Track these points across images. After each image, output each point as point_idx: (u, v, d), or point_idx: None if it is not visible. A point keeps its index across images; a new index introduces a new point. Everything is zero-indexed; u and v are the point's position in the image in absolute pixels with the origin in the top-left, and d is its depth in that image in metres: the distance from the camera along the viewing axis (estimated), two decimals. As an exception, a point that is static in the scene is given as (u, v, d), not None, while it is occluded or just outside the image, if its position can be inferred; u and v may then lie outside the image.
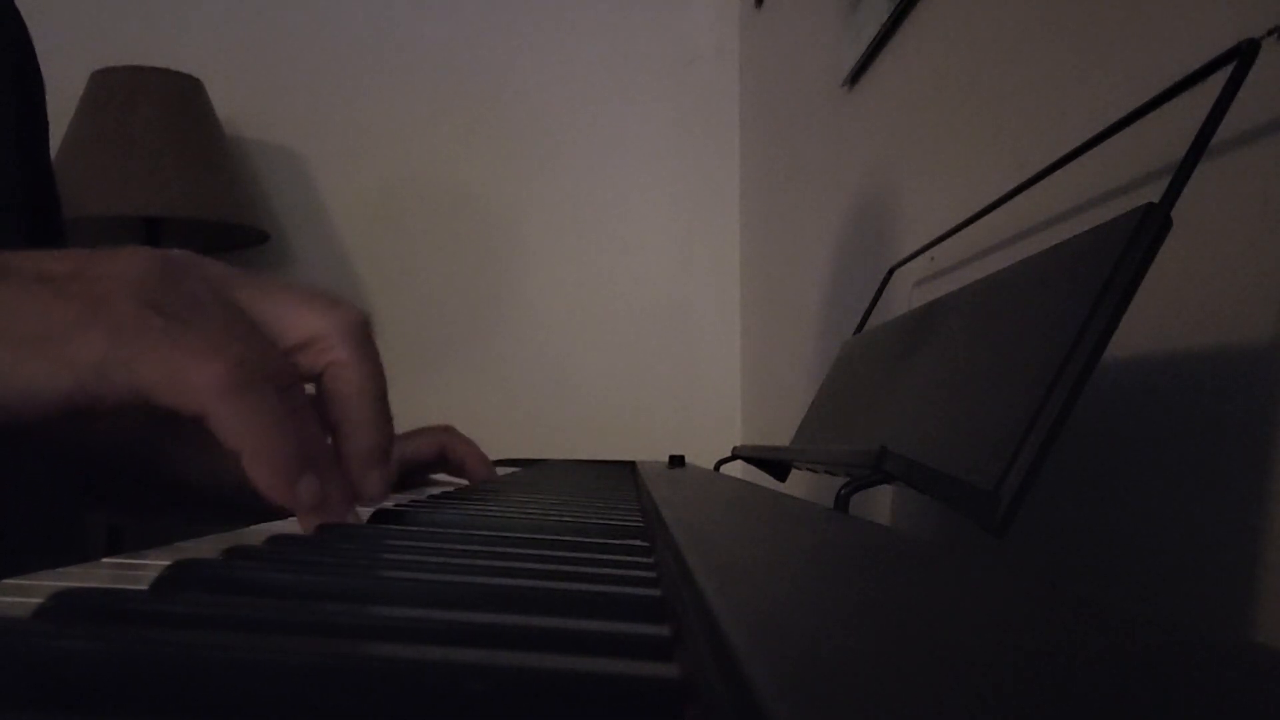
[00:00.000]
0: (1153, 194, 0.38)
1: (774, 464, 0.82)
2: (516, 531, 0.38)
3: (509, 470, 1.01)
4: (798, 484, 0.99)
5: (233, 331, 0.33)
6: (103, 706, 0.15)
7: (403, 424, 0.50)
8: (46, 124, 0.73)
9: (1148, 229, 0.36)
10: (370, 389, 0.37)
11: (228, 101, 1.81)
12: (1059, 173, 0.52)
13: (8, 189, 0.65)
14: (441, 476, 0.84)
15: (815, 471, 0.66)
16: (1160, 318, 0.47)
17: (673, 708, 0.15)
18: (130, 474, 0.65)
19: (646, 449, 1.40)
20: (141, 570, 0.27)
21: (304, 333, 0.36)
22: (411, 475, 0.80)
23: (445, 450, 0.79)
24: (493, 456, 0.82)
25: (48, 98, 0.74)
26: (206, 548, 0.34)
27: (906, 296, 0.89)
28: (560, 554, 0.30)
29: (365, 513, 0.42)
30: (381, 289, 1.93)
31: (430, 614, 0.19)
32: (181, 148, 1.66)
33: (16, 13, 0.69)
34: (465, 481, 0.79)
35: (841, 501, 0.43)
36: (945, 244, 0.73)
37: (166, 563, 0.24)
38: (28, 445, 0.58)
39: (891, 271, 0.86)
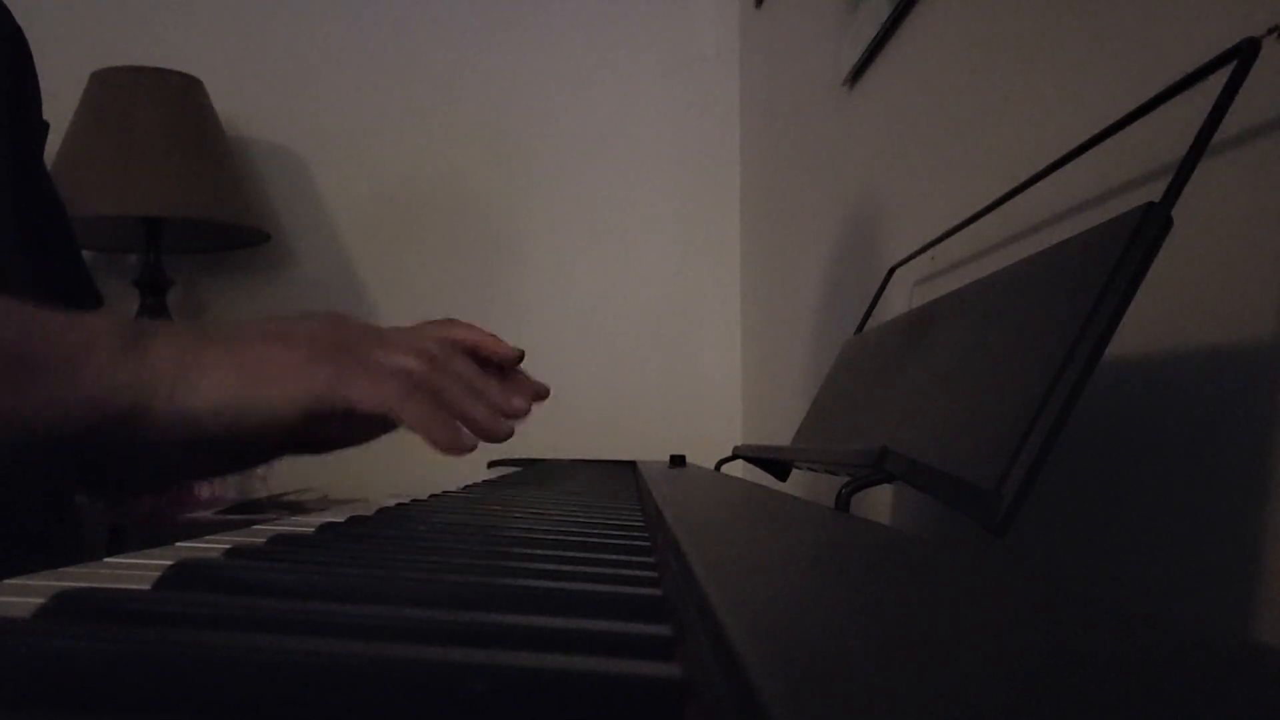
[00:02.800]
0: (1153, 194, 0.38)
1: (775, 464, 0.82)
2: (518, 531, 0.38)
3: (510, 470, 1.01)
4: (798, 484, 0.99)
5: (395, 358, 0.50)
6: (104, 706, 0.15)
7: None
8: (42, 125, 0.73)
9: (1148, 229, 0.36)
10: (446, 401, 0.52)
11: (228, 101, 1.81)
12: (1059, 172, 0.52)
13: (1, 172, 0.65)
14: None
15: (816, 471, 0.66)
16: (1160, 318, 0.47)
17: (674, 706, 0.15)
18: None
19: (647, 449, 1.40)
20: (143, 570, 0.27)
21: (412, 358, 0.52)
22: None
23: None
24: (494, 457, 0.81)
25: (48, 98, 0.74)
26: (207, 548, 0.34)
27: (906, 296, 0.89)
28: (562, 554, 0.30)
29: (366, 512, 0.42)
30: (382, 288, 1.93)
31: (431, 614, 0.19)
32: (182, 148, 1.66)
33: (9, 14, 0.69)
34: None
35: (842, 501, 0.43)
36: (945, 244, 0.73)
37: (168, 562, 0.24)
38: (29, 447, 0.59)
39: (891, 271, 0.86)
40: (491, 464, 1.16)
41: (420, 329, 0.56)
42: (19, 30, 0.70)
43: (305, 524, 0.41)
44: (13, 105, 0.68)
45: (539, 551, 0.31)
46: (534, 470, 1.02)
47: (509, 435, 0.52)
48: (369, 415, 0.49)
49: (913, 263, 0.81)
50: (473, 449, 0.51)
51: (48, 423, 0.45)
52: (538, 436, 0.96)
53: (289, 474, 1.60)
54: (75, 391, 0.45)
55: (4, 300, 0.45)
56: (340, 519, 0.42)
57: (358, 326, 0.53)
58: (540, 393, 0.58)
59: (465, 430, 0.50)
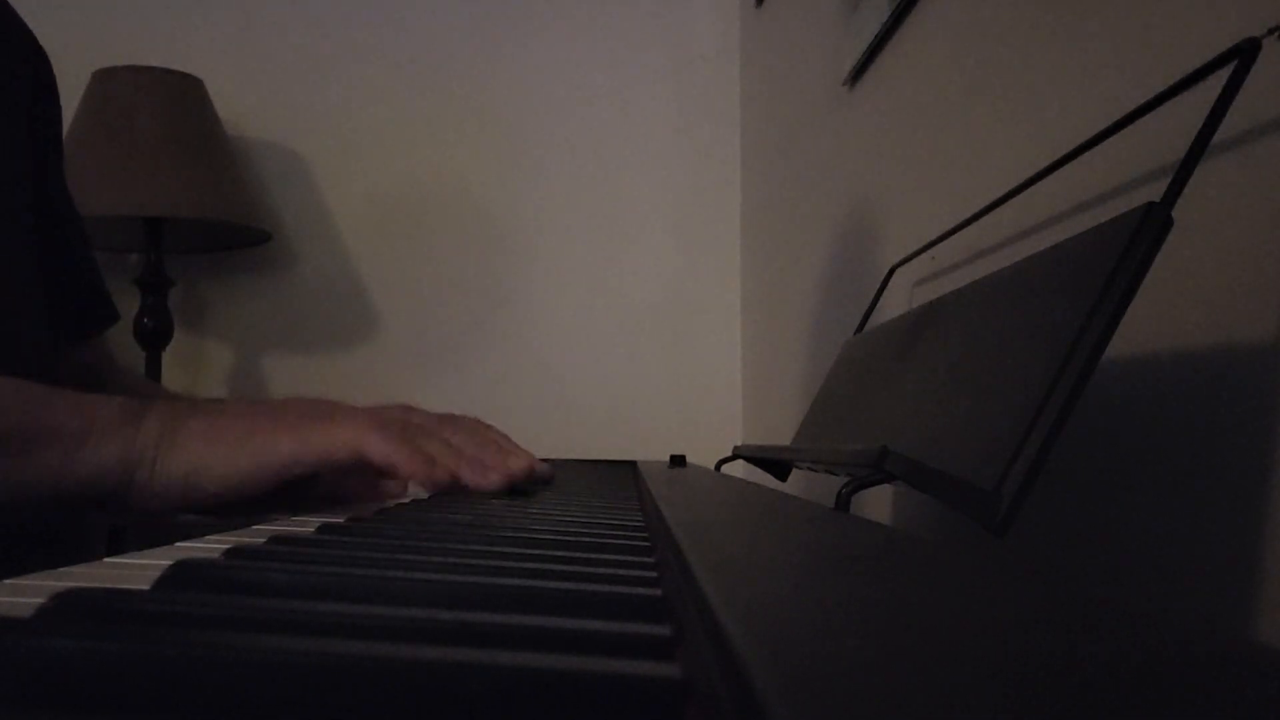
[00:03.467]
0: (1153, 194, 0.38)
1: (775, 464, 0.82)
2: (518, 531, 0.38)
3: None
4: (798, 484, 0.99)
5: (405, 431, 0.54)
6: (103, 706, 0.15)
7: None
8: (60, 138, 0.74)
9: (1148, 229, 0.36)
10: (391, 452, 0.55)
11: (228, 101, 1.81)
12: (1059, 173, 0.52)
13: (19, 206, 0.66)
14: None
15: (816, 471, 0.66)
16: (1160, 318, 0.47)
17: (674, 707, 0.15)
18: None
19: (647, 449, 1.40)
20: (142, 570, 0.27)
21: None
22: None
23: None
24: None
25: (48, 98, 0.74)
26: (207, 548, 0.34)
27: (906, 296, 0.89)
28: (561, 554, 0.30)
29: (366, 513, 0.42)
30: (382, 288, 1.93)
31: (431, 614, 0.19)
32: (182, 147, 1.66)
33: (34, 38, 0.70)
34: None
35: (842, 501, 0.43)
36: (945, 244, 0.73)
37: (168, 563, 0.24)
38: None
39: (891, 271, 0.86)
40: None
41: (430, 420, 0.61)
42: (44, 55, 0.71)
43: (305, 524, 0.41)
44: (35, 126, 0.69)
45: (539, 551, 0.31)
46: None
47: (490, 486, 0.56)
48: (354, 467, 0.53)
49: (913, 263, 0.81)
50: (445, 481, 0.54)
51: (45, 493, 0.49)
52: (538, 436, 0.96)
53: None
54: (73, 467, 0.49)
55: (10, 380, 0.50)
56: (340, 519, 0.42)
57: (342, 404, 0.56)
58: (528, 475, 0.61)
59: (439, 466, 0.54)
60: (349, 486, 0.64)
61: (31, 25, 0.71)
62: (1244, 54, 0.38)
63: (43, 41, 0.72)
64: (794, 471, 0.84)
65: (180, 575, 0.23)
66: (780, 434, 1.40)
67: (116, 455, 0.50)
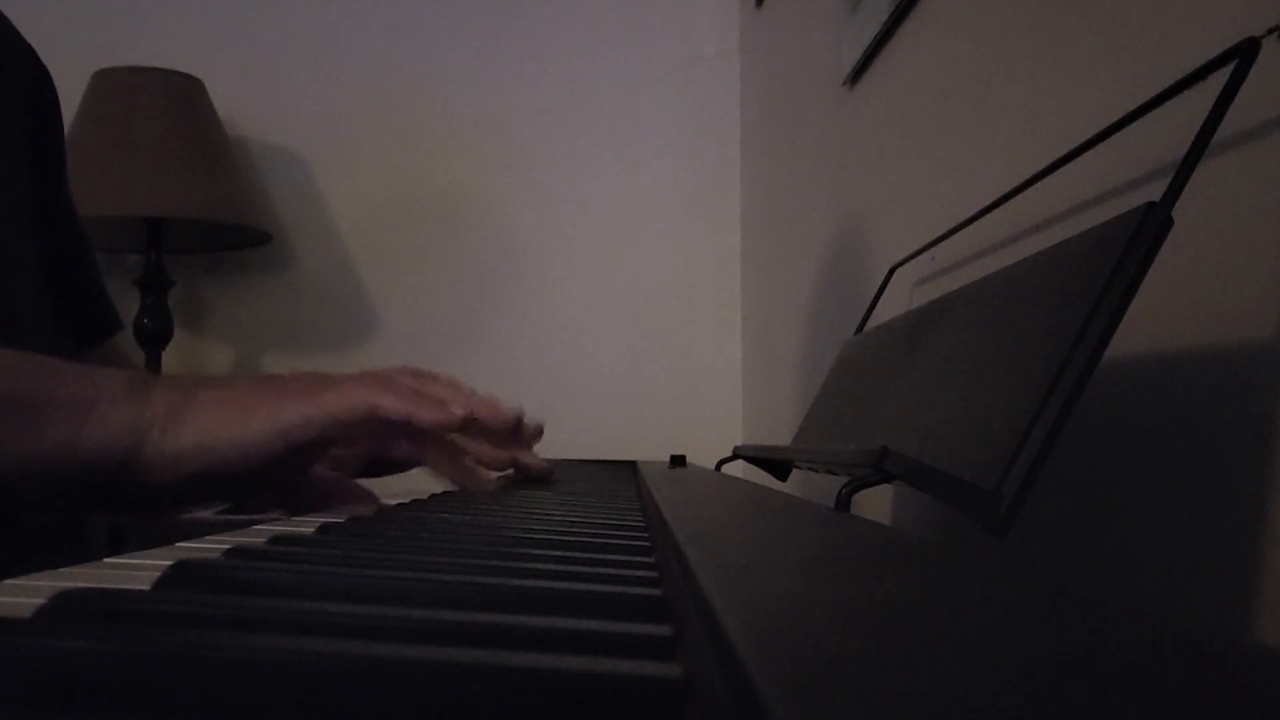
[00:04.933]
0: (1153, 194, 0.38)
1: (775, 464, 0.82)
2: (518, 531, 0.38)
3: (509, 470, 1.01)
4: (798, 484, 0.99)
5: (417, 392, 0.55)
6: (104, 706, 0.15)
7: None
8: (63, 153, 0.74)
9: (1148, 229, 0.36)
10: (406, 404, 0.56)
11: (228, 101, 1.81)
12: (1059, 173, 0.52)
13: (22, 221, 0.66)
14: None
15: (816, 471, 0.66)
16: (1160, 318, 0.47)
17: (674, 707, 0.15)
18: None
19: (647, 449, 1.40)
20: (143, 570, 0.27)
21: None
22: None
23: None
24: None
25: (48, 99, 0.74)
26: (207, 548, 0.34)
27: (907, 296, 0.89)
28: (562, 554, 0.30)
29: (366, 513, 0.42)
30: (382, 289, 1.93)
31: (431, 614, 0.19)
32: (183, 148, 1.66)
33: (34, 53, 0.70)
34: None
35: (842, 501, 0.43)
36: (945, 244, 0.73)
37: (168, 563, 0.24)
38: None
39: (892, 271, 0.86)
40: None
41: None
42: (45, 71, 0.71)
43: (305, 524, 0.41)
44: (37, 139, 0.69)
45: (539, 551, 0.31)
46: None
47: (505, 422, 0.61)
48: (366, 428, 0.53)
49: (913, 263, 0.81)
50: (462, 420, 0.56)
51: (53, 466, 0.48)
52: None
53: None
54: (80, 437, 0.48)
55: (19, 352, 0.50)
56: (340, 519, 0.42)
57: (345, 374, 0.57)
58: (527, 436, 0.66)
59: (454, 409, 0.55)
60: (362, 448, 0.64)
61: (31, 25, 0.71)
62: (1244, 54, 0.38)
63: (42, 41, 0.72)
64: (794, 471, 0.84)
65: (180, 575, 0.23)
66: (780, 434, 1.40)
67: (125, 424, 0.49)
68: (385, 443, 0.65)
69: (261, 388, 0.53)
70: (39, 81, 0.71)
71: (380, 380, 0.54)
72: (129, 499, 0.69)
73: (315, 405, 0.51)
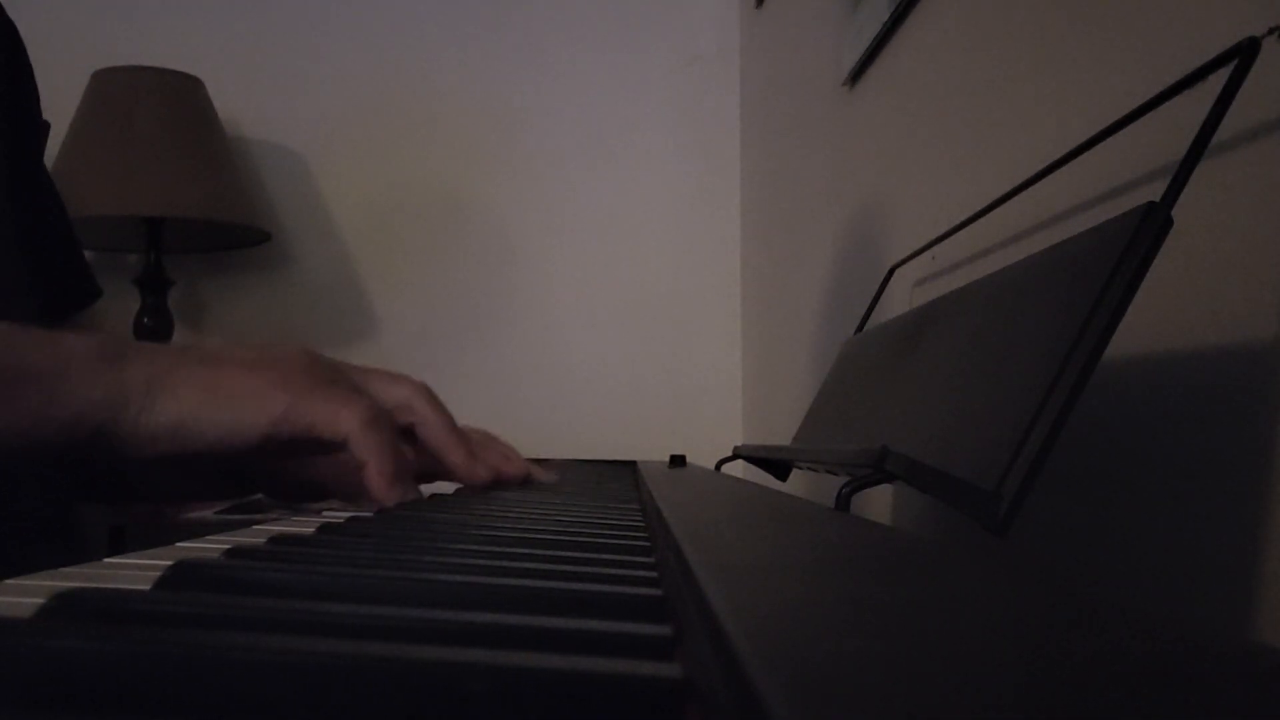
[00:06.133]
0: (1153, 194, 0.38)
1: (775, 463, 0.82)
2: (517, 531, 0.38)
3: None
4: (798, 484, 0.99)
5: (361, 392, 0.51)
6: (104, 706, 0.15)
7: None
8: (43, 124, 0.73)
9: (1148, 228, 0.36)
10: (446, 430, 0.56)
11: (228, 101, 1.81)
12: (1059, 173, 0.52)
13: None
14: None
15: (816, 471, 0.66)
16: (1160, 318, 0.47)
17: (674, 707, 0.15)
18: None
19: (647, 449, 1.40)
20: (143, 570, 0.27)
21: (396, 399, 0.55)
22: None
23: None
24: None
25: (48, 98, 0.74)
26: (207, 548, 0.34)
27: (906, 296, 0.89)
28: (561, 553, 0.30)
29: (368, 511, 0.42)
30: (382, 288, 1.93)
31: (431, 614, 0.19)
32: (182, 147, 1.66)
33: (6, 18, 0.69)
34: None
35: (842, 501, 0.43)
36: (945, 244, 0.73)
37: (168, 563, 0.24)
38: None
39: (892, 271, 0.86)
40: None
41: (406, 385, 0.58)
42: (11, 25, 0.70)
43: (305, 524, 0.41)
44: (7, 103, 0.68)
45: (539, 551, 0.31)
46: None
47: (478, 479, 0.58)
48: (331, 447, 0.50)
49: (913, 263, 0.81)
50: (416, 490, 0.53)
51: (24, 439, 0.46)
52: (538, 436, 0.96)
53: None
54: (51, 408, 0.45)
55: None
56: (340, 519, 0.42)
57: (329, 361, 0.54)
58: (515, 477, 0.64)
59: (408, 488, 0.52)
60: (320, 467, 0.62)
61: (30, 25, 0.71)
62: (1244, 54, 0.38)
63: (42, 42, 0.72)
64: (794, 471, 0.84)
65: (180, 575, 0.23)
66: (780, 434, 1.40)
67: (100, 395, 0.46)
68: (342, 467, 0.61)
69: (246, 369, 0.50)
70: (6, 41, 0.69)
71: (362, 411, 0.50)
72: (110, 484, 0.68)
73: (299, 410, 0.49)
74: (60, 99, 0.72)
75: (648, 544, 0.34)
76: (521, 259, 1.94)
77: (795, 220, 1.46)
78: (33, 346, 0.47)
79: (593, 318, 1.94)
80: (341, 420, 0.49)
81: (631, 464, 1.07)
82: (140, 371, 0.48)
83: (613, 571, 0.27)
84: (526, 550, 0.31)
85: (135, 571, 0.28)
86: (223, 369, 0.49)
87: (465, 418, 0.91)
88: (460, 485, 0.66)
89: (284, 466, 0.58)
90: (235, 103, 1.85)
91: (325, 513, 0.50)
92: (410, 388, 0.56)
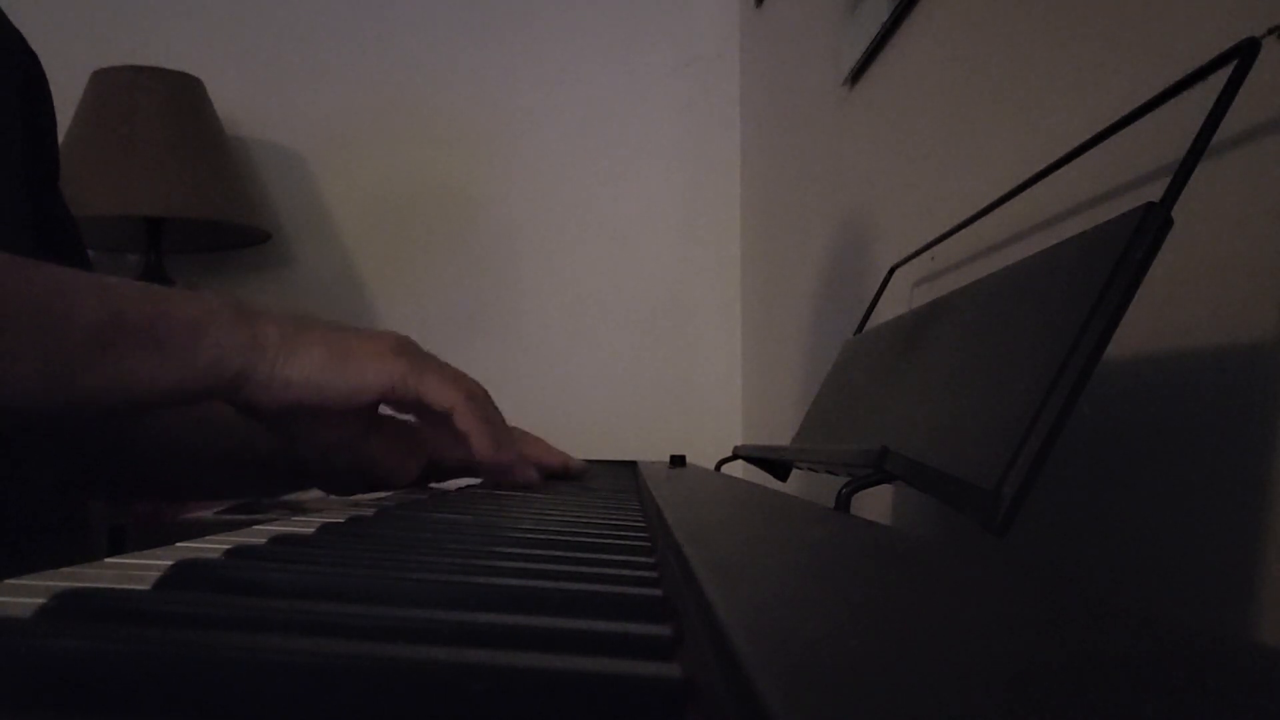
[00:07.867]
0: (1153, 194, 0.38)
1: (775, 464, 0.82)
2: (518, 531, 0.38)
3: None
4: (798, 484, 0.99)
5: (463, 373, 0.59)
6: (104, 706, 0.15)
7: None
8: (55, 161, 0.73)
9: (1148, 228, 0.36)
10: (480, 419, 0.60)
11: (228, 101, 1.81)
12: (1059, 173, 0.52)
13: (14, 216, 0.65)
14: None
15: (816, 471, 0.66)
16: (1160, 318, 0.47)
17: (675, 707, 0.15)
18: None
19: (647, 449, 1.40)
20: (144, 570, 0.27)
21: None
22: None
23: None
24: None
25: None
26: (207, 548, 0.34)
27: (907, 296, 0.89)
28: (562, 554, 0.30)
29: (368, 511, 0.42)
30: (382, 288, 1.93)
31: (431, 614, 0.19)
32: (182, 147, 1.66)
33: (25, 43, 0.69)
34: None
35: (842, 501, 0.43)
36: (945, 244, 0.73)
37: (169, 562, 0.24)
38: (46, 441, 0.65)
39: (892, 271, 0.86)
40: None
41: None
42: (35, 58, 0.70)
43: (305, 524, 0.41)
44: (33, 143, 0.68)
45: (539, 551, 0.31)
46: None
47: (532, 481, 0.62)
48: (434, 417, 0.57)
49: (913, 263, 0.81)
50: (506, 463, 0.59)
51: (170, 387, 0.51)
52: (538, 436, 0.96)
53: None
54: (196, 357, 0.51)
55: (129, 280, 0.52)
56: (340, 519, 0.42)
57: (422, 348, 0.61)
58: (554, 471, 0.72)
59: (509, 450, 0.59)
60: (391, 449, 0.66)
61: (30, 25, 0.71)
62: (1244, 54, 0.38)
63: (41, 42, 0.72)
64: (794, 471, 0.84)
65: (180, 575, 0.23)
66: (780, 434, 1.40)
67: (241, 341, 0.52)
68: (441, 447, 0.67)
69: (367, 338, 0.57)
70: (29, 70, 0.68)
71: (465, 389, 0.57)
72: (117, 479, 0.71)
73: (414, 378, 0.55)
74: (60, 99, 0.72)
75: (648, 544, 0.34)
76: (521, 259, 1.94)
77: (795, 220, 1.46)
78: (176, 299, 0.52)
79: (593, 317, 1.94)
80: (448, 394, 0.56)
81: (631, 464, 1.07)
82: (275, 328, 0.53)
83: (613, 572, 0.27)
84: (527, 550, 0.31)
85: (135, 571, 0.28)
86: (346, 335, 0.56)
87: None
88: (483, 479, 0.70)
89: (360, 446, 0.62)
90: (235, 103, 1.85)
91: (353, 507, 0.50)
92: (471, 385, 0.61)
